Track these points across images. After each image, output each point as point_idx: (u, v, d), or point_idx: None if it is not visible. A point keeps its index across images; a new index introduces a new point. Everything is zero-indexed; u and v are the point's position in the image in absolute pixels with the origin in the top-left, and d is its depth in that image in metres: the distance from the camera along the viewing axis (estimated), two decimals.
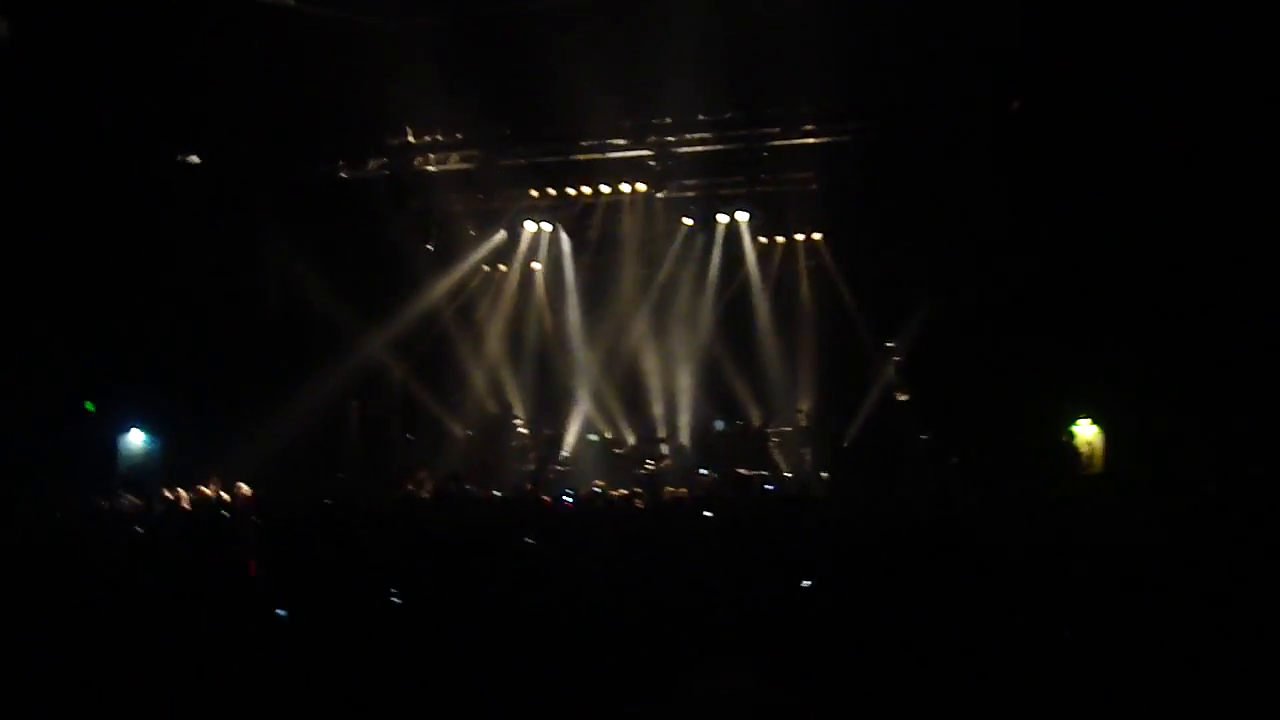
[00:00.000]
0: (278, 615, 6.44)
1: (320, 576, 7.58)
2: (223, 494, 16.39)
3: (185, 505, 15.19)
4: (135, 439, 19.30)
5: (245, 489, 16.36)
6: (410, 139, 19.99)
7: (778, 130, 18.85)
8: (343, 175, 20.63)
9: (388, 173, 20.49)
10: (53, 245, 16.84)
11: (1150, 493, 13.64)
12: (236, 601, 6.84)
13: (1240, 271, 14.91)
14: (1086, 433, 17.61)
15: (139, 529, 11.05)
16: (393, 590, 6.86)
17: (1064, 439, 17.61)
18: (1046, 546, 8.30)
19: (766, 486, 17.26)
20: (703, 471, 18.36)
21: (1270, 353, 14.63)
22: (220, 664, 5.74)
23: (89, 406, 18.66)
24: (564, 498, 16.50)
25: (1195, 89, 14.64)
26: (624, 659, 5.67)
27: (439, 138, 20.08)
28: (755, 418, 20.32)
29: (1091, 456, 17.48)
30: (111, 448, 19.04)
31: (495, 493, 16.96)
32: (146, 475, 18.12)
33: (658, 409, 20.62)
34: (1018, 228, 16.34)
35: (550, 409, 21.29)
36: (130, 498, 15.26)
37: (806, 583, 6.76)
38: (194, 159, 19.16)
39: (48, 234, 16.78)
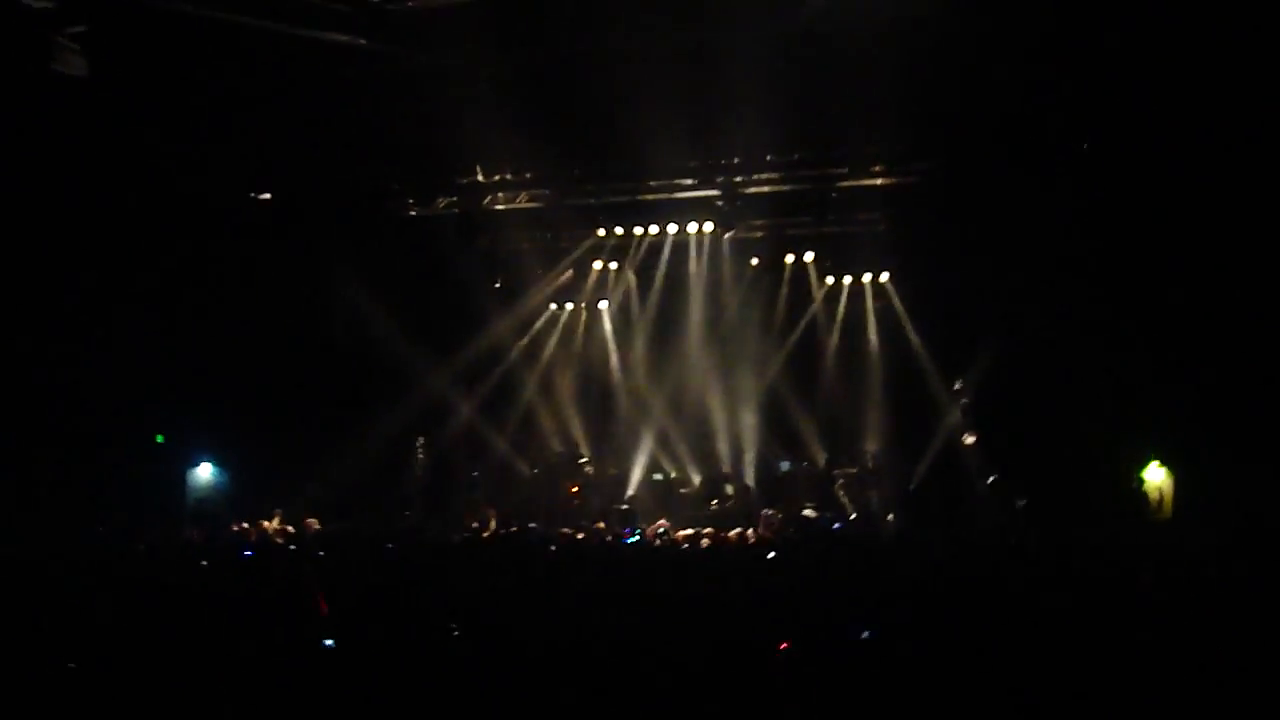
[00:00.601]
0: (324, 645, 6.55)
1: (382, 612, 7.65)
2: (289, 528, 16.63)
3: (253, 539, 15.42)
4: (204, 472, 19.76)
5: (313, 523, 16.64)
6: (479, 178, 20.29)
7: (845, 171, 19.06)
8: (412, 213, 21.01)
9: (456, 210, 20.84)
10: (125, 280, 17.33)
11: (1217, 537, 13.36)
12: (301, 636, 6.88)
13: None
14: (1156, 477, 17.64)
15: (205, 562, 11.26)
16: (453, 626, 6.93)
17: (1134, 483, 17.63)
18: (1114, 589, 8.27)
19: (833, 527, 17.37)
20: (767, 512, 18.40)
21: None
22: (279, 697, 5.86)
23: (159, 439, 19.11)
24: (628, 537, 16.78)
25: (1261, 123, 14.69)
26: (682, 701, 5.70)
27: (508, 176, 20.37)
28: (821, 459, 20.41)
29: (1161, 501, 17.51)
30: (181, 481, 19.48)
31: (563, 530, 17.17)
32: (215, 508, 18.65)
33: (723, 449, 20.76)
34: (1087, 269, 16.50)
35: (616, 448, 21.49)
36: (198, 530, 15.66)
37: (865, 634, 6.64)
38: (266, 196, 19.59)
39: (122, 268, 17.28)
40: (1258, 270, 15.35)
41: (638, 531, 17.38)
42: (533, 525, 17.56)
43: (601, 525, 17.80)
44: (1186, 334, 16.00)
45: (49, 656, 6.35)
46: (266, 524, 16.71)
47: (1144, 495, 17.58)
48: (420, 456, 21.00)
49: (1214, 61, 14.50)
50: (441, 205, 20.95)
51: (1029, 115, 16.47)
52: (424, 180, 20.60)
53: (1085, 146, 17.16)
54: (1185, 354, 15.97)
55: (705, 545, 14.87)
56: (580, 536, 16.17)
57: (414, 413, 20.33)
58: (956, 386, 19.22)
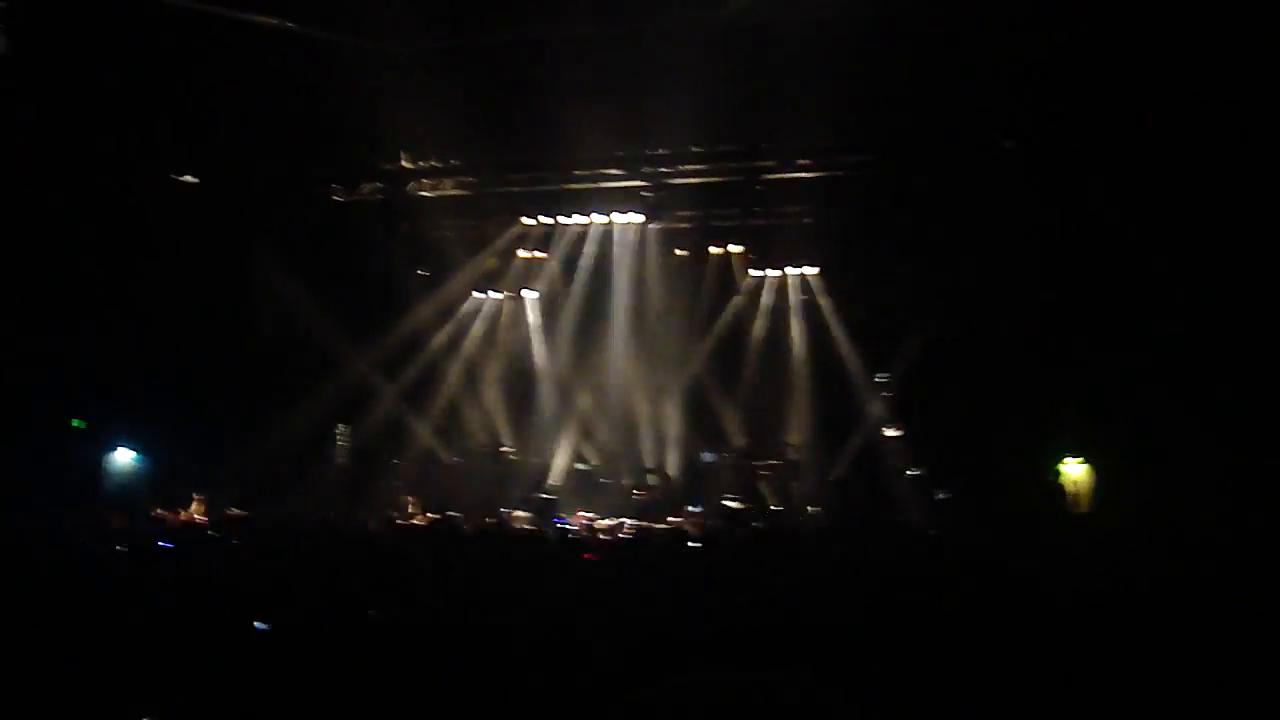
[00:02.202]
0: (256, 628, 6.62)
1: (302, 599, 7.76)
2: (208, 515, 17.14)
3: (173, 526, 15.75)
4: (122, 457, 19.91)
5: (235, 511, 17.12)
6: (405, 164, 20.88)
7: (773, 163, 19.82)
8: (336, 198, 21.54)
9: (381, 197, 21.41)
10: (44, 261, 17.56)
11: (1135, 531, 13.99)
12: (220, 621, 6.91)
13: (1228, 308, 15.63)
14: (1074, 471, 18.29)
15: (121, 547, 11.38)
16: (370, 611, 7.09)
17: (1052, 476, 18.30)
18: (1033, 582, 8.39)
19: (754, 523, 17.97)
20: (693, 509, 18.90)
21: (1261, 391, 15.26)
22: (203, 681, 5.93)
23: (77, 424, 19.32)
24: (556, 524, 17.33)
25: (1181, 126, 15.38)
26: (604, 671, 5.89)
27: (434, 163, 20.97)
28: (744, 450, 20.98)
29: (1078, 495, 18.16)
30: (98, 466, 19.63)
31: (488, 519, 17.71)
32: (133, 494, 18.83)
33: (646, 439, 21.31)
34: (1008, 265, 17.12)
35: (539, 437, 21.92)
36: (115, 515, 15.90)
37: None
38: (189, 178, 19.96)
39: (39, 249, 17.49)
40: (1178, 266, 15.97)
41: (564, 520, 17.96)
42: (452, 514, 18.07)
43: (521, 514, 18.44)
44: (1106, 330, 16.65)
45: None
46: (185, 512, 17.14)
47: (1061, 489, 18.24)
48: (341, 444, 21.47)
49: (1138, 57, 15.32)
50: (366, 191, 21.50)
51: (955, 111, 17.26)
52: (349, 165, 21.14)
53: (1008, 144, 18.00)
54: (1105, 350, 16.56)
55: (628, 536, 15.46)
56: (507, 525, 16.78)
57: (335, 400, 20.70)
58: (879, 379, 19.93)
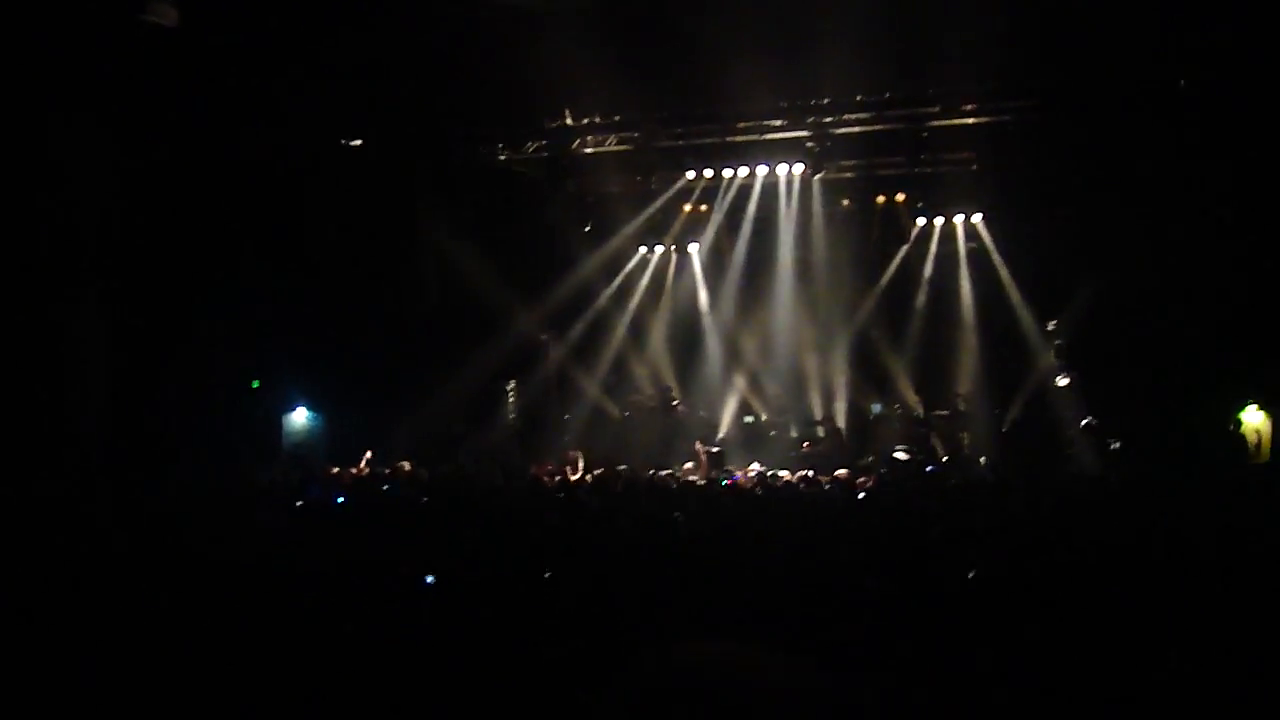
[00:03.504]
0: (425, 581, 6.98)
1: (470, 553, 8.22)
2: (384, 470, 18.30)
3: (345, 481, 16.95)
4: (299, 416, 21.45)
5: (406, 465, 18.13)
6: (568, 121, 21.84)
7: (937, 110, 20.34)
8: (501, 158, 22.69)
9: (546, 155, 22.47)
10: (220, 227, 18.78)
11: None
12: (394, 578, 7.19)
13: None
14: (1254, 419, 18.80)
15: (300, 502, 12.37)
16: (542, 569, 7.40)
17: (1231, 426, 18.80)
18: (1212, 536, 8.54)
19: (926, 469, 18.95)
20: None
21: None
22: (370, 635, 6.09)
23: (255, 384, 20.81)
24: (723, 480, 18.42)
25: None
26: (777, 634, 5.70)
27: (597, 120, 21.87)
28: (913, 402, 21.94)
29: (1259, 444, 18.65)
30: (276, 424, 21.18)
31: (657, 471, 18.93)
32: (310, 451, 20.41)
33: (814, 391, 22.33)
34: (1184, 210, 17.64)
35: (707, 391, 23.00)
36: (294, 473, 17.27)
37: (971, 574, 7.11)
38: (357, 142, 21.32)
39: (215, 219, 18.75)
40: None
41: (732, 475, 19.08)
42: (622, 468, 19.05)
43: (690, 467, 19.59)
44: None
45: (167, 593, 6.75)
46: (357, 468, 18.44)
47: (1242, 438, 18.71)
48: (511, 400, 22.76)
49: None
50: (531, 149, 22.56)
51: (1123, 52, 17.61)
52: (513, 125, 22.20)
53: (1182, 83, 18.29)
54: None
55: (801, 487, 16.34)
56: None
57: (505, 357, 21.96)
58: (1050, 328, 20.71)
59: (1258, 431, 18.74)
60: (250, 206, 19.04)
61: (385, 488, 15.58)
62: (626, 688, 2.31)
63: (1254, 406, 18.73)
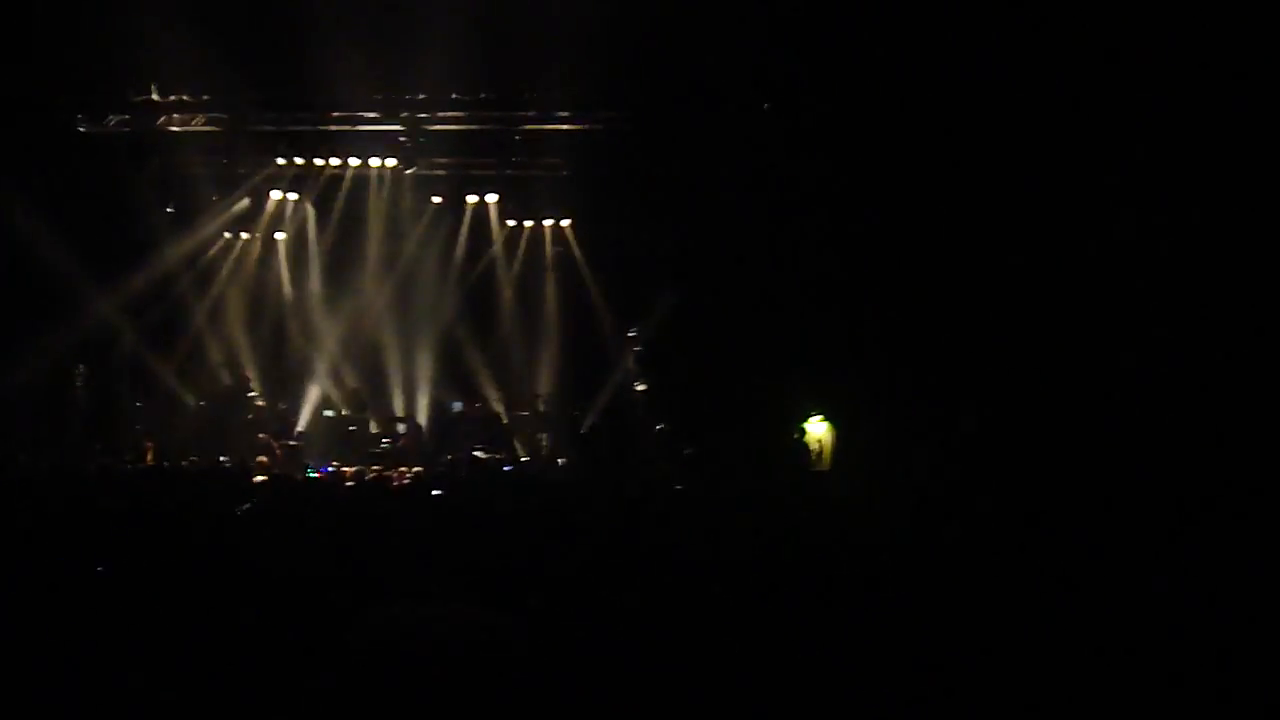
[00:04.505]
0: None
1: (30, 546, 7.96)
2: None
3: None
4: None
5: None
6: (155, 96, 21.86)
7: (531, 114, 21.51)
8: (81, 129, 22.35)
9: (129, 129, 22.35)
10: None
11: (871, 489, 15.71)
12: None
13: (974, 274, 16.98)
14: (818, 429, 20.18)
15: None
16: (99, 565, 7.28)
17: (796, 435, 20.16)
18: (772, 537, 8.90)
19: (503, 469, 19.96)
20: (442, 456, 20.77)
21: (1000, 352, 16.58)
22: None
23: None
24: (309, 473, 18.96)
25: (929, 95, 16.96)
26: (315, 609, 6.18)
27: (185, 98, 21.95)
28: (494, 401, 22.86)
29: (821, 453, 20.05)
30: None
31: (222, 460, 19.32)
32: None
33: (396, 388, 22.98)
34: (760, 225, 19.01)
35: (287, 383, 23.35)
36: None
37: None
38: None
39: None
40: (929, 228, 17.43)
41: (320, 468, 19.70)
42: (193, 459, 19.59)
43: (265, 460, 19.93)
44: (851, 291, 18.31)
45: None
46: None
47: (805, 447, 20.09)
48: (81, 386, 22.41)
49: (897, 29, 16.91)
50: (113, 123, 22.41)
51: (715, 71, 18.84)
52: (95, 95, 22.00)
53: (765, 106, 19.73)
54: (848, 310, 18.28)
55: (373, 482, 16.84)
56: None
57: (76, 340, 21.54)
58: (630, 334, 22.03)
59: (820, 441, 20.05)
60: None
61: None
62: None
63: (818, 417, 20.02)
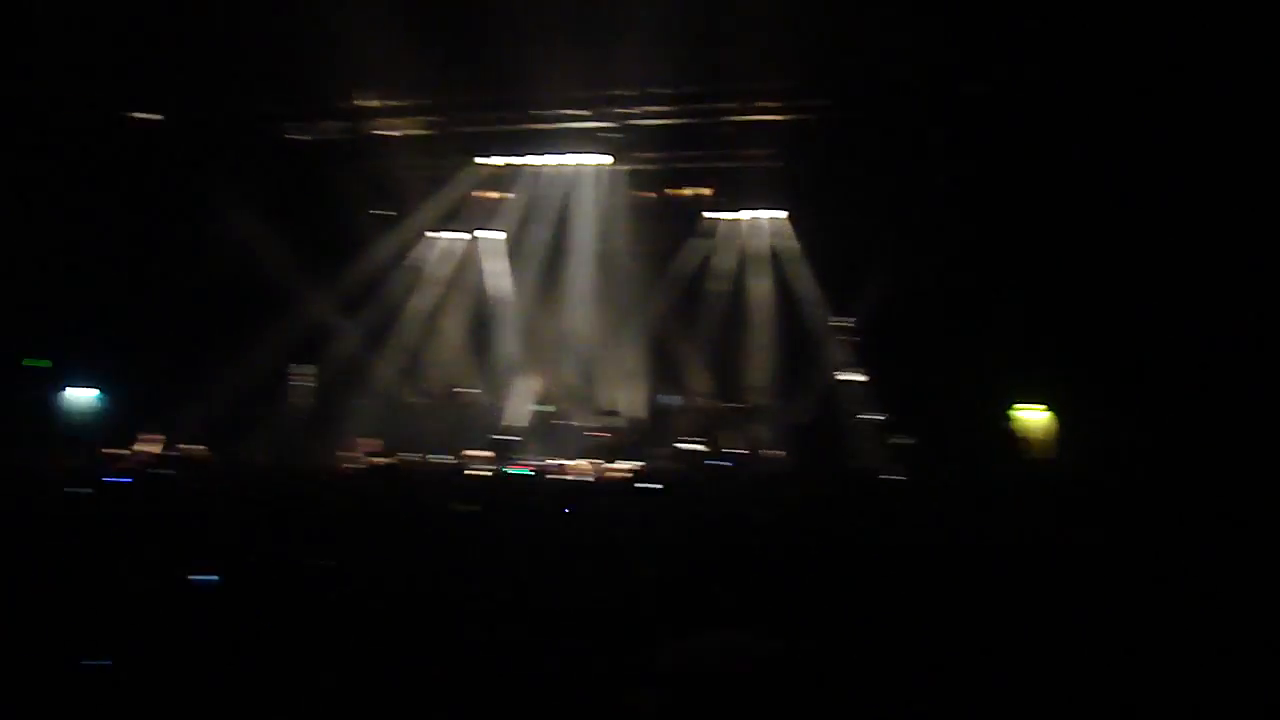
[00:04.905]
0: (203, 580, 6.82)
1: (258, 540, 8.28)
2: (165, 453, 18.76)
3: (123, 462, 17.32)
4: (78, 395, 21.69)
5: (190, 448, 18.80)
6: (363, 102, 22.36)
7: (739, 105, 21.31)
8: (295, 137, 23.06)
9: (339, 135, 22.93)
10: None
11: (1093, 481, 15.25)
12: (174, 562, 7.12)
13: (1210, 263, 16.91)
14: (1035, 418, 20.02)
15: (76, 488, 12.01)
16: (329, 559, 7.44)
17: (1011, 424, 20.06)
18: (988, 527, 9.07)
19: (719, 463, 20.06)
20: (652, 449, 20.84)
21: (1234, 342, 16.63)
22: (152, 627, 6.04)
23: (30, 363, 21.14)
24: (515, 468, 19.15)
25: (1160, 83, 16.92)
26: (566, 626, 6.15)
27: (393, 102, 22.41)
28: (706, 394, 22.78)
29: (1039, 443, 19.86)
30: (55, 405, 21.46)
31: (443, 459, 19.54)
32: (87, 432, 20.62)
33: (608, 383, 23.13)
34: (979, 212, 18.77)
35: (499, 380, 23.61)
36: (72, 454, 17.38)
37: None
38: (149, 116, 21.62)
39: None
40: (1143, 216, 17.44)
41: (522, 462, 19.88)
42: (413, 456, 19.87)
43: (482, 455, 20.27)
44: (1068, 276, 18.27)
45: None
46: (141, 449, 18.84)
47: (1021, 436, 19.96)
48: (299, 385, 23.10)
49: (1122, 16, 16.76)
50: (324, 129, 23.01)
51: (923, 55, 18.58)
52: (308, 104, 22.61)
53: (978, 89, 19.33)
54: (1065, 296, 18.26)
55: (591, 478, 17.10)
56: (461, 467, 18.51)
57: (295, 341, 22.29)
58: (843, 324, 21.81)
59: (1036, 429, 19.90)
60: (34, 180, 19.50)
61: (168, 472, 15.62)
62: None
63: (1036, 405, 19.89)
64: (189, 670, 5.63)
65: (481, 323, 24.30)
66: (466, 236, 24.69)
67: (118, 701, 5.41)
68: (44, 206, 19.82)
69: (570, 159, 23.24)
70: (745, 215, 23.60)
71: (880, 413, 20.82)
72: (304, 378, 23.13)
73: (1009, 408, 20.08)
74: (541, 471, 18.65)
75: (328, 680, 5.65)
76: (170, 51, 19.55)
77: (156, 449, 19.07)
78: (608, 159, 22.90)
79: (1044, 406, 20.02)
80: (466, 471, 17.79)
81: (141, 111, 21.59)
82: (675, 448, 21.07)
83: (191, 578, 6.84)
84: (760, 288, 23.12)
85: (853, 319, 21.68)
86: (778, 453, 21.20)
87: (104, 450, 18.60)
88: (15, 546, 7.60)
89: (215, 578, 6.85)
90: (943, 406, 19.11)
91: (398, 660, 5.84)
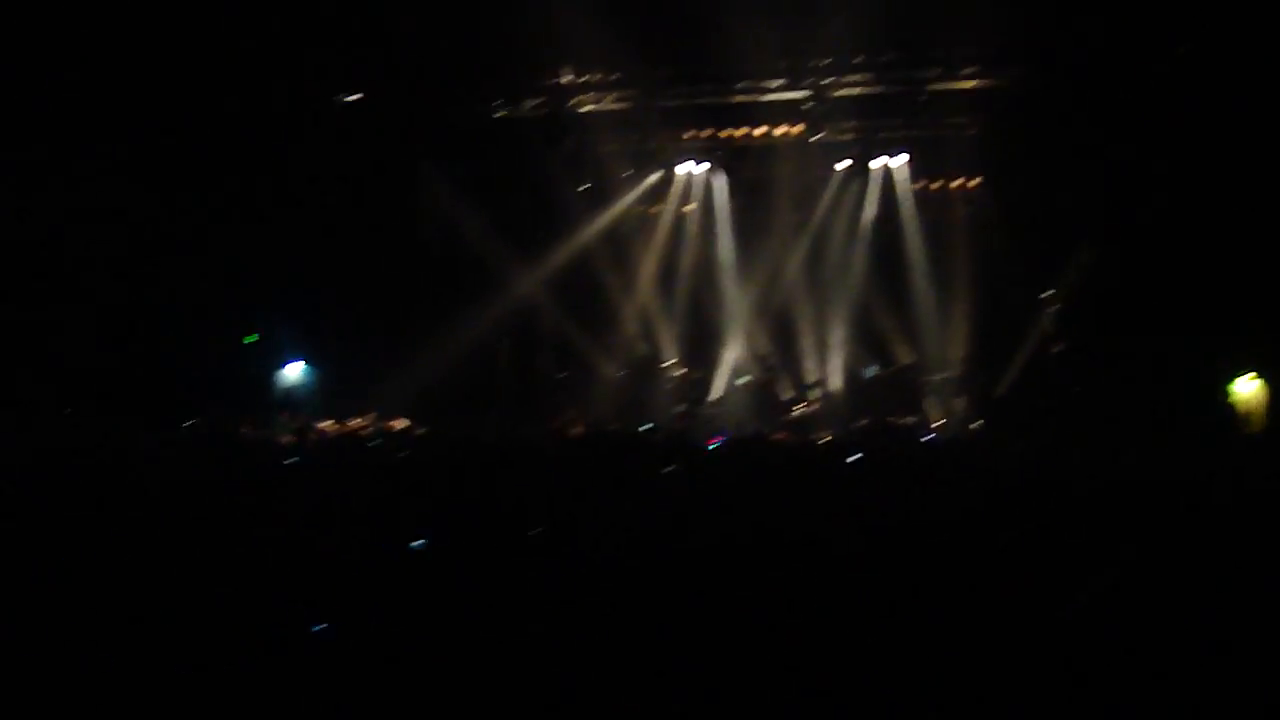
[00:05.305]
0: (414, 546, 7.03)
1: (467, 511, 8.46)
2: (375, 427, 19.41)
3: (339, 437, 18.14)
4: (294, 371, 22.58)
5: (398, 423, 19.45)
6: (567, 79, 22.87)
7: (938, 73, 21.46)
8: (500, 114, 23.60)
9: (544, 112, 23.47)
10: (217, 184, 20.19)
11: None
12: (380, 533, 7.39)
13: None
14: (1248, 389, 19.57)
15: (289, 459, 12.57)
16: (534, 527, 7.57)
17: (1224, 396, 19.64)
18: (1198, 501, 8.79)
19: (922, 436, 20.05)
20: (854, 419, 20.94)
21: None
22: (361, 594, 6.21)
23: (249, 339, 21.99)
24: (715, 438, 19.42)
25: None
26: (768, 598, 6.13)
27: (596, 78, 22.88)
28: (907, 365, 22.85)
29: (1251, 414, 19.41)
30: (271, 380, 22.37)
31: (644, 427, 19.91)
32: (302, 407, 21.48)
33: (809, 353, 23.27)
34: (1180, 180, 18.53)
35: (701, 351, 23.90)
36: (284, 428, 18.30)
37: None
38: (354, 97, 22.37)
39: (213, 172, 20.07)
40: None
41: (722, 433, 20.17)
42: (615, 427, 20.24)
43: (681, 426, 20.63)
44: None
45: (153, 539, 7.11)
46: (357, 422, 19.59)
47: (1235, 408, 19.52)
48: (506, 358, 23.66)
49: None
50: (529, 107, 23.57)
51: (1123, 18, 18.60)
52: (512, 81, 23.24)
53: (1182, 52, 19.10)
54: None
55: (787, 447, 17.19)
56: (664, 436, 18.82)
57: (501, 314, 22.95)
58: (1046, 295, 21.58)
59: (1250, 400, 19.41)
60: (249, 161, 20.21)
61: (375, 444, 16.18)
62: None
63: (1249, 376, 19.38)
64: (408, 633, 5.75)
65: (685, 295, 24.53)
66: (670, 209, 24.95)
67: (342, 665, 5.53)
68: (261, 189, 20.75)
69: (772, 129, 23.29)
70: (946, 183, 23.46)
71: (1086, 384, 20.30)
72: (511, 351, 23.63)
73: (1225, 378, 19.63)
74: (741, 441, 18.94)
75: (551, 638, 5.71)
76: (376, 32, 20.27)
77: (366, 423, 19.67)
78: (808, 129, 22.90)
79: (1259, 376, 19.51)
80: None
81: (349, 93, 22.13)
82: (879, 419, 21.03)
83: (408, 545, 7.05)
84: (962, 255, 22.90)
85: (1057, 287, 21.31)
86: (979, 424, 21.06)
87: (320, 423, 19.33)
88: (237, 514, 8.01)
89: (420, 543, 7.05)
90: (1155, 378, 18.76)
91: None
